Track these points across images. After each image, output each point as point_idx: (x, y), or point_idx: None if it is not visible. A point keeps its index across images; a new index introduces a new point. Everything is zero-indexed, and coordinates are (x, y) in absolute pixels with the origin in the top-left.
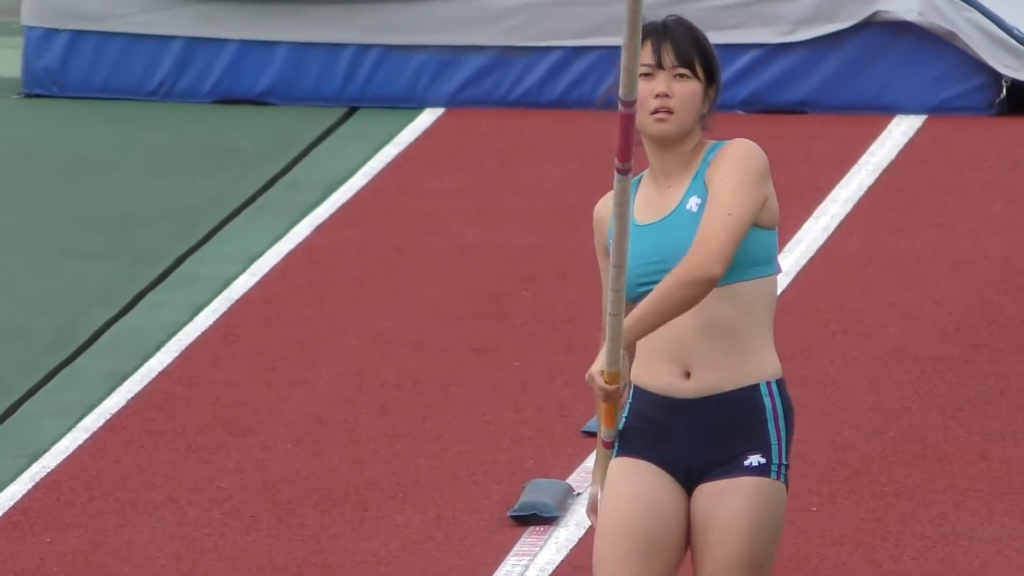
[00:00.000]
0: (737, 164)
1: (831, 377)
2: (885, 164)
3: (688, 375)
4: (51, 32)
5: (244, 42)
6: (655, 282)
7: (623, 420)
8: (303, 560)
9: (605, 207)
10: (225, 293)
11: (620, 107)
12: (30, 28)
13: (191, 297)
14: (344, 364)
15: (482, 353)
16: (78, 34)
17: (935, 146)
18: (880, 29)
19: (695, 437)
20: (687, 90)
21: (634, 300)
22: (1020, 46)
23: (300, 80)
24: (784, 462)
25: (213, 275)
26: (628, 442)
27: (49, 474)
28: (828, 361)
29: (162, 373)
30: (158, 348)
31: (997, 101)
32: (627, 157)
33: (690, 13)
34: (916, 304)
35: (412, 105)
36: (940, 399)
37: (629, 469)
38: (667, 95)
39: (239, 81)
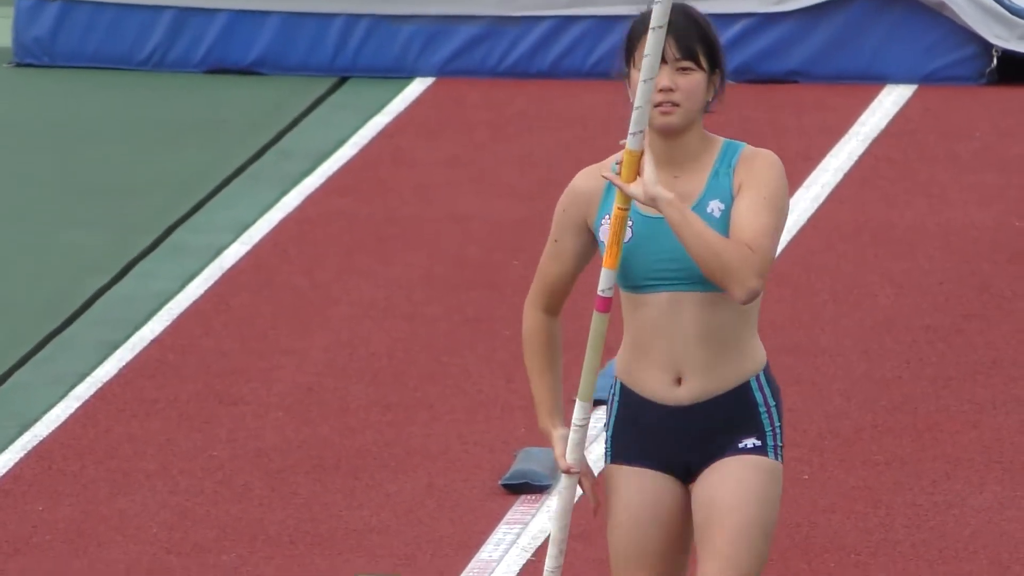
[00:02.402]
0: (777, 185)
1: (822, 346)
2: (875, 134)
3: (679, 381)
4: (42, 2)
5: (235, 12)
6: (664, 280)
7: (611, 420)
8: (295, 528)
9: (591, 182)
10: (216, 262)
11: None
12: None
13: (182, 266)
14: (335, 333)
15: (473, 323)
16: (69, 3)
17: (925, 116)
18: None
19: (690, 439)
20: (691, 83)
21: (632, 291)
22: (1011, 16)
23: (290, 50)
24: (780, 443)
25: (204, 244)
26: (626, 448)
27: (41, 443)
28: (819, 330)
29: (154, 342)
30: (149, 317)
31: (988, 71)
32: None
33: None
34: (906, 274)
35: (402, 75)
36: (931, 368)
37: (635, 483)
38: (671, 89)
39: (230, 51)
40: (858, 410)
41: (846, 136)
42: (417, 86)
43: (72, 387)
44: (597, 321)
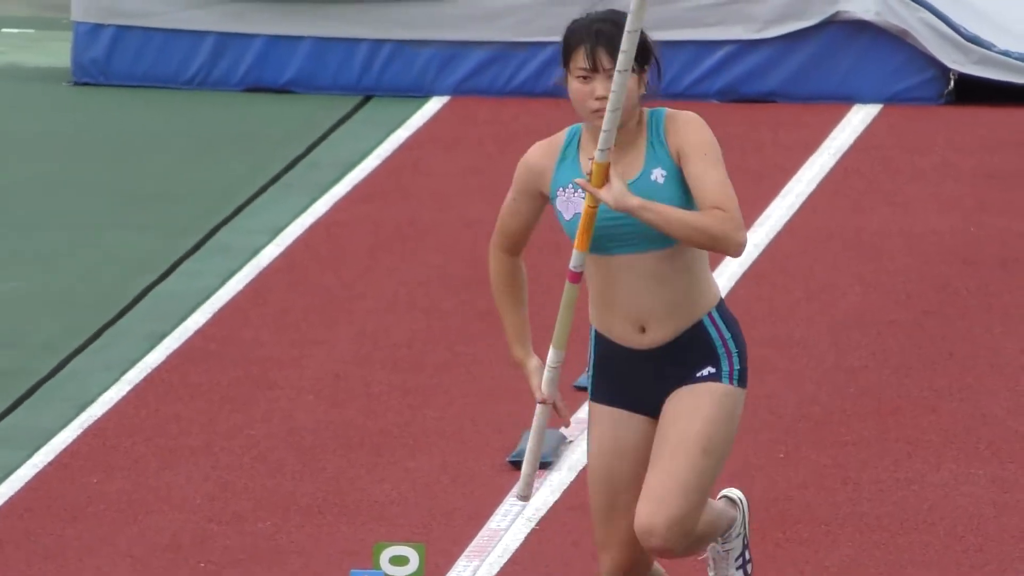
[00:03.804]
0: (709, 139)
1: (796, 339)
2: (845, 148)
3: (643, 329)
4: (98, 27)
5: (270, 37)
6: (626, 237)
7: (591, 366)
8: (323, 500)
9: (543, 160)
10: (254, 261)
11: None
12: (79, 23)
13: (223, 265)
14: (360, 325)
15: (485, 317)
16: (122, 29)
17: (890, 133)
18: (841, 27)
19: (656, 377)
20: (629, 85)
21: (599, 253)
22: (966, 43)
23: (320, 71)
24: (736, 367)
25: (243, 245)
26: (601, 390)
27: (96, 422)
28: (794, 325)
29: (197, 332)
30: (194, 310)
31: (945, 92)
32: None
33: (671, 12)
34: (873, 274)
35: (421, 94)
36: (894, 359)
37: (605, 415)
38: (605, 97)
39: (265, 72)
40: (828, 396)
41: (818, 150)
42: (434, 104)
43: (124, 372)
44: (569, 289)
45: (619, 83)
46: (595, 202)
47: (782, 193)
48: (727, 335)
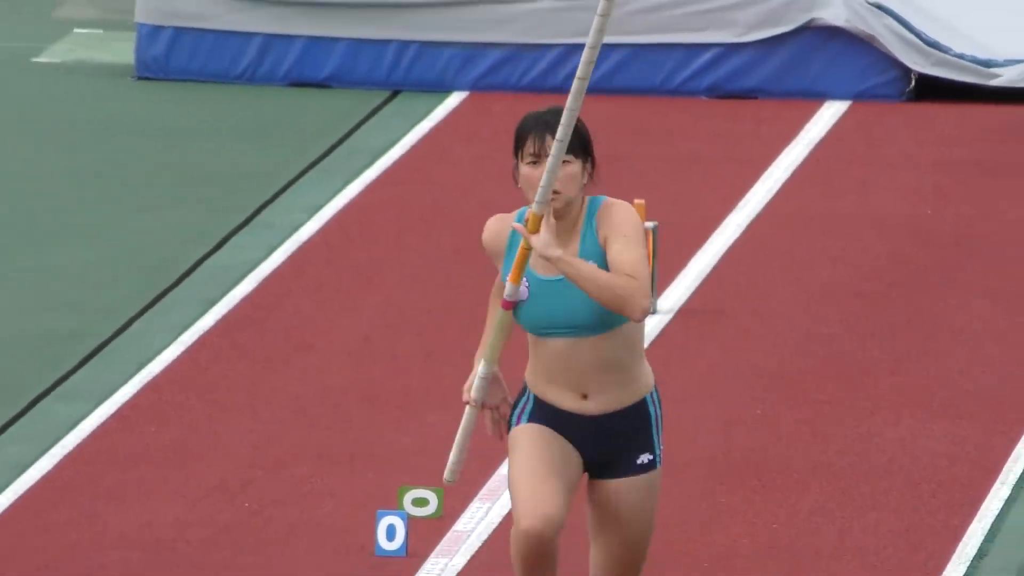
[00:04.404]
0: (635, 224)
1: (773, 309)
2: (817, 140)
3: (585, 397)
4: (158, 28)
5: (310, 38)
6: (561, 330)
7: (526, 414)
8: (354, 450)
9: (498, 239)
10: (294, 237)
11: None
12: (142, 25)
13: (267, 240)
14: (388, 294)
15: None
16: (179, 30)
17: (857, 127)
18: (815, 32)
19: (593, 441)
20: (569, 173)
21: (541, 336)
22: (926, 47)
23: (355, 68)
24: (660, 448)
25: (285, 223)
26: (535, 419)
27: (153, 379)
28: (771, 296)
29: (244, 300)
30: (240, 280)
31: (907, 90)
32: None
33: (664, 19)
34: (841, 252)
35: (443, 89)
36: (860, 327)
37: (534, 425)
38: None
39: (306, 69)
40: (802, 360)
41: (794, 142)
42: (455, 99)
43: (179, 335)
44: (502, 315)
45: (556, 151)
46: (529, 244)
47: (761, 179)
48: (659, 414)
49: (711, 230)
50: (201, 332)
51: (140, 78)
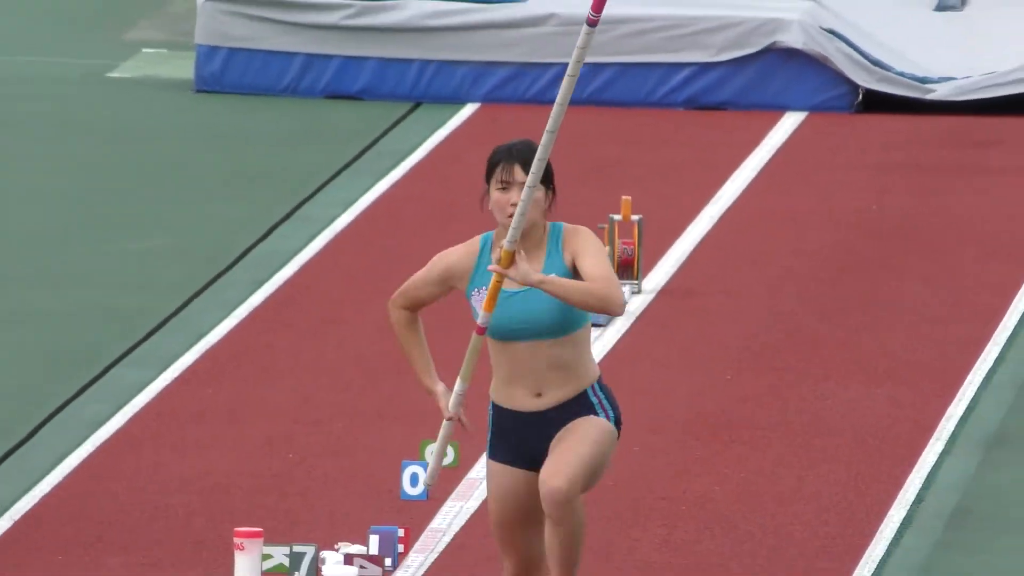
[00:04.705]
0: (599, 244)
1: (740, 290)
2: (778, 146)
3: (539, 395)
4: (214, 48)
5: (345, 57)
6: (528, 332)
7: (490, 431)
8: (382, 409)
9: (463, 261)
10: (330, 227)
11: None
12: (200, 45)
13: (308, 230)
14: (410, 276)
15: None
16: (233, 50)
17: (813, 134)
18: (777, 53)
19: (543, 434)
20: (535, 199)
21: (507, 341)
22: (871, 66)
23: (383, 83)
24: (612, 416)
25: (322, 216)
26: (498, 450)
27: (210, 348)
28: (739, 279)
29: (286, 282)
30: (284, 264)
31: (855, 103)
32: (600, 8)
33: (648, 41)
34: (799, 242)
35: (458, 101)
36: (815, 306)
37: (501, 472)
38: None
39: (341, 83)
40: (765, 334)
41: (758, 147)
42: (469, 109)
43: (232, 311)
44: (475, 339)
45: (527, 194)
46: (500, 278)
47: (731, 179)
48: (605, 403)
49: (688, 222)
50: (251, 308)
51: (199, 91)
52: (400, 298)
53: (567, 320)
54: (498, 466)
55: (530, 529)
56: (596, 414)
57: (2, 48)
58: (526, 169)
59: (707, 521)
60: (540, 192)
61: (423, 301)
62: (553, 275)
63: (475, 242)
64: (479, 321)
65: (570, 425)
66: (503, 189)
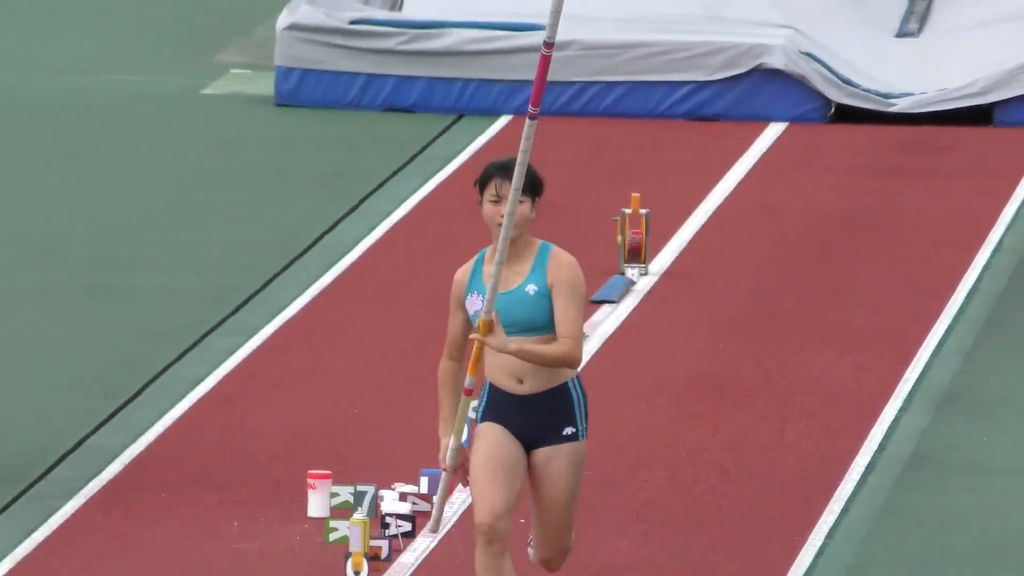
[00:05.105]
0: (576, 278)
1: (730, 272)
2: (763, 151)
3: (521, 381)
4: (291, 69)
5: (400, 76)
6: (513, 328)
7: (483, 404)
8: (433, 373)
9: (462, 277)
10: (388, 220)
11: (543, 48)
12: (279, 67)
13: (368, 221)
14: (456, 260)
15: None
16: (306, 70)
17: (794, 140)
18: (762, 73)
19: (528, 417)
20: (522, 210)
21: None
22: (842, 83)
23: (431, 98)
24: (584, 425)
25: (381, 210)
26: (487, 417)
27: (288, 320)
28: (729, 263)
29: (351, 265)
30: (349, 251)
31: (828, 115)
32: (537, 103)
33: (654, 63)
34: (779, 233)
35: (495, 114)
36: (793, 286)
37: (491, 427)
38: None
39: (397, 98)
40: (751, 309)
41: (747, 152)
42: (503, 120)
43: (306, 289)
44: (464, 401)
45: (504, 235)
46: (480, 344)
47: (723, 179)
48: (582, 399)
49: (687, 215)
50: (322, 287)
51: (278, 105)
52: (447, 349)
53: (546, 322)
54: (486, 423)
55: (506, 480)
56: (573, 415)
57: (110, 68)
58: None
59: (703, 466)
60: (527, 204)
61: (459, 336)
62: (523, 345)
63: (472, 260)
64: (466, 384)
65: (551, 473)
66: (494, 202)
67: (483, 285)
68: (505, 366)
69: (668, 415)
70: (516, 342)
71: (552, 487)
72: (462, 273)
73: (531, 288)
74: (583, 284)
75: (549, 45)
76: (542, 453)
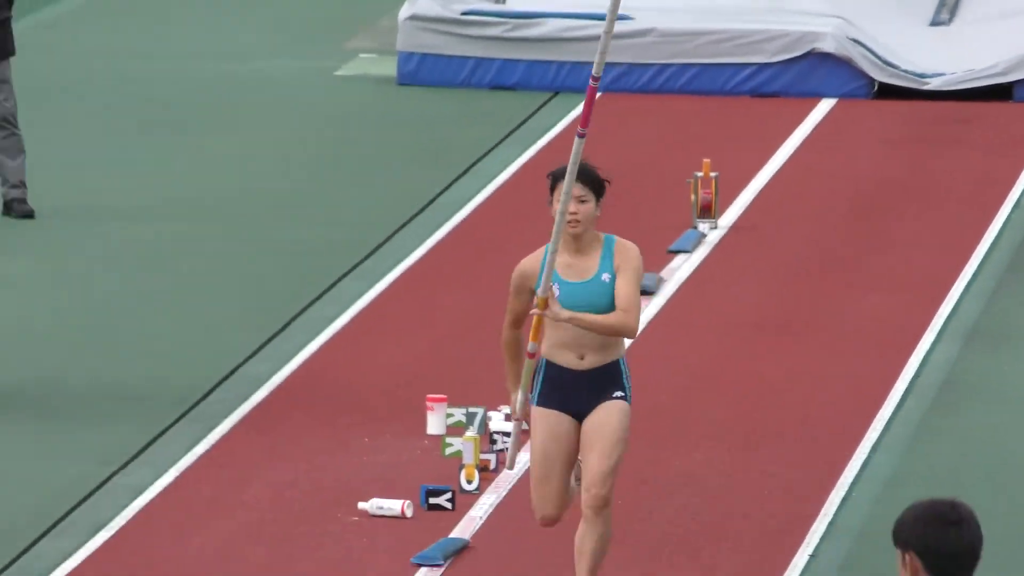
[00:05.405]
0: (638, 264)
1: (788, 226)
2: (816, 122)
3: (582, 357)
4: (411, 54)
5: (505, 59)
6: (576, 309)
7: (540, 383)
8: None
9: (531, 266)
10: (494, 181)
11: (591, 81)
12: (401, 51)
13: (478, 183)
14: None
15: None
16: (425, 55)
17: (842, 114)
18: (816, 55)
19: (585, 391)
20: (586, 209)
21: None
22: (884, 65)
23: (532, 78)
24: (629, 393)
25: (490, 172)
26: (546, 398)
27: (411, 266)
28: (787, 218)
29: (463, 220)
30: (462, 207)
31: (872, 92)
32: (586, 124)
33: (722, 48)
34: (829, 193)
35: (585, 92)
36: (843, 239)
37: (546, 414)
38: (575, 213)
39: (502, 78)
40: (805, 257)
41: (802, 124)
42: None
43: (427, 239)
44: (528, 364)
45: (563, 200)
46: (540, 317)
47: (781, 147)
48: (627, 374)
49: (750, 178)
50: (441, 236)
51: (400, 84)
52: (508, 317)
53: (611, 308)
54: (546, 411)
55: (566, 468)
56: (622, 385)
57: (254, 55)
58: (587, 186)
59: (762, 394)
60: (592, 204)
61: (521, 313)
62: (580, 313)
63: (541, 250)
64: (529, 348)
65: (601, 417)
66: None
67: (556, 273)
68: (568, 344)
69: (734, 352)
70: (570, 312)
71: (603, 429)
72: (531, 265)
73: (606, 276)
74: (642, 267)
75: (596, 79)
76: (595, 409)
